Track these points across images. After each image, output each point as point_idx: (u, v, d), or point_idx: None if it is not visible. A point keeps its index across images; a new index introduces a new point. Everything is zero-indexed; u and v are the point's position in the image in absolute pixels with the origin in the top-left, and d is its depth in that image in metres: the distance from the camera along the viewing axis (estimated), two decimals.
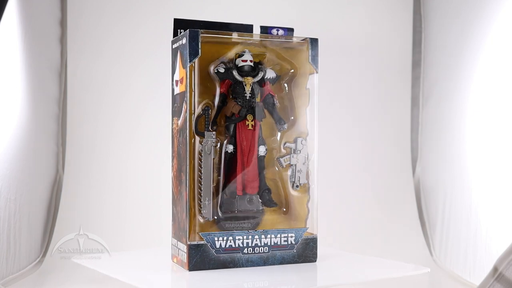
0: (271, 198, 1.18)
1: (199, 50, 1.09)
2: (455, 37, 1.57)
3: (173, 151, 1.16)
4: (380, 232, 1.71)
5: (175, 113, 1.15)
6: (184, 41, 1.10)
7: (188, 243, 1.09)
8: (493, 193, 1.35)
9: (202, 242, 1.09)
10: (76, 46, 1.73)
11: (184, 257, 1.10)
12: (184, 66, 1.10)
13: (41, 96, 1.59)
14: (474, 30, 1.46)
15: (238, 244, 1.12)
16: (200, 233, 1.10)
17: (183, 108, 1.11)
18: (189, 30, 1.09)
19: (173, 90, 1.17)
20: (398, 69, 1.81)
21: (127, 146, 1.73)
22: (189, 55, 1.09)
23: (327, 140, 1.77)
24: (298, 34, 1.77)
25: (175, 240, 1.14)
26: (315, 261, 1.19)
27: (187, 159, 1.10)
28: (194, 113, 1.09)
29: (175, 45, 1.16)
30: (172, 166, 1.16)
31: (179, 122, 1.13)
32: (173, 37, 1.17)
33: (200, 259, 1.09)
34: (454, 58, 1.57)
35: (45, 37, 1.63)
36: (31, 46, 1.48)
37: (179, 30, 1.17)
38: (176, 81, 1.15)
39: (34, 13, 1.52)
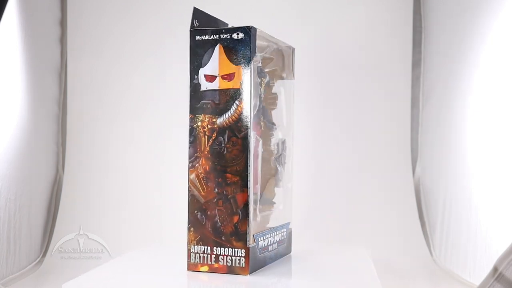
0: (266, 196, 1.18)
1: (256, 48, 1.07)
2: (455, 37, 1.57)
3: (195, 151, 1.07)
4: (380, 232, 1.71)
5: (205, 110, 1.07)
6: (238, 36, 1.06)
7: (249, 246, 1.04)
8: (493, 193, 1.35)
9: (254, 245, 1.06)
10: (76, 46, 1.73)
11: (236, 262, 1.04)
12: (236, 63, 1.05)
13: (41, 96, 1.59)
14: (474, 30, 1.46)
15: (267, 243, 1.12)
16: (254, 235, 1.05)
17: (233, 106, 1.05)
18: (252, 27, 1.06)
19: (196, 85, 1.08)
20: (398, 69, 1.81)
21: (127, 146, 1.73)
22: (252, 52, 1.05)
23: (328, 140, 1.77)
24: (298, 34, 1.78)
25: (203, 247, 1.06)
26: (291, 252, 1.23)
27: (249, 159, 1.04)
28: (251, 112, 1.05)
29: (204, 37, 1.08)
30: (194, 166, 1.07)
31: (220, 120, 1.06)
32: (191, 26, 1.09)
33: (252, 262, 1.06)
34: (454, 58, 1.57)
35: (45, 37, 1.64)
36: (31, 46, 1.48)
37: (195, 20, 1.11)
38: (209, 76, 1.07)
39: (34, 13, 1.52)
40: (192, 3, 1.75)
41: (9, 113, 1.37)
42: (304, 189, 1.73)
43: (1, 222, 1.29)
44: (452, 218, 1.56)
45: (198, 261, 1.07)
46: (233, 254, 1.05)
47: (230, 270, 1.05)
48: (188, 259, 1.07)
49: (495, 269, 0.91)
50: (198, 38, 1.07)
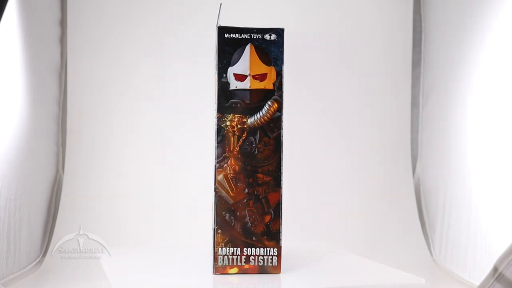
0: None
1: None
2: (455, 37, 1.57)
3: (224, 151, 1.06)
4: (380, 232, 1.71)
5: (234, 109, 1.06)
6: (271, 37, 1.05)
7: (281, 244, 1.06)
8: (493, 193, 1.35)
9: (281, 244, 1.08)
10: (76, 46, 1.73)
11: (268, 261, 1.05)
12: (269, 63, 1.06)
13: (41, 96, 1.59)
14: (474, 30, 1.46)
15: None
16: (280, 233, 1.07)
17: (265, 107, 1.05)
18: (283, 29, 1.06)
19: (224, 84, 1.06)
20: (398, 69, 1.81)
21: (127, 146, 1.73)
22: (284, 54, 1.06)
23: (327, 140, 1.77)
24: (298, 33, 1.77)
25: (232, 249, 1.06)
26: None
27: (281, 159, 1.06)
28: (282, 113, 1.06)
29: (233, 35, 1.07)
30: (222, 167, 1.06)
31: (251, 120, 1.05)
32: (217, 23, 1.08)
33: (282, 260, 1.08)
34: (454, 58, 1.57)
35: (45, 37, 1.63)
36: (31, 46, 1.48)
37: (217, 18, 1.10)
38: (239, 75, 1.06)
39: (34, 13, 1.52)
40: (192, 3, 1.75)
41: (9, 113, 1.37)
42: (302, 188, 1.73)
43: (1, 222, 1.29)
44: (452, 218, 1.56)
45: (227, 263, 1.06)
46: (265, 254, 1.06)
47: (262, 270, 1.06)
48: (215, 262, 1.06)
49: (495, 269, 0.91)
50: (226, 36, 1.06)
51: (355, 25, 1.79)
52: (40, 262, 1.53)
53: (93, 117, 1.73)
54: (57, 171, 1.71)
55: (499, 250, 0.97)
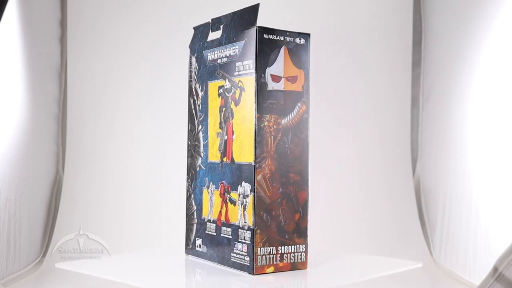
0: None
1: None
2: (455, 37, 1.57)
3: (262, 151, 1.06)
4: (380, 232, 1.71)
5: (271, 110, 1.07)
6: (300, 41, 1.08)
7: (307, 240, 1.09)
8: (493, 193, 1.35)
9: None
10: (76, 46, 1.73)
11: (298, 257, 1.08)
12: (298, 66, 1.09)
13: (41, 96, 1.59)
14: (474, 30, 1.46)
15: None
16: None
17: (296, 108, 1.08)
18: (310, 35, 1.09)
19: (263, 84, 1.06)
20: (398, 69, 1.81)
21: (127, 146, 1.73)
22: (310, 58, 1.09)
23: (327, 139, 1.77)
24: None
25: (269, 248, 1.07)
26: None
27: (308, 159, 1.09)
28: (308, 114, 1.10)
29: (271, 36, 1.08)
30: (261, 167, 1.06)
31: (285, 121, 1.08)
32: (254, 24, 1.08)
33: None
34: (454, 58, 1.57)
35: (45, 37, 1.64)
36: (31, 46, 1.48)
37: (256, 19, 1.12)
38: (275, 76, 1.07)
39: (34, 13, 1.52)
40: (191, 4, 1.75)
41: (9, 113, 1.37)
42: None
43: (1, 222, 1.29)
44: (452, 218, 1.56)
45: (265, 263, 1.07)
46: (296, 251, 1.08)
47: (293, 266, 1.08)
48: (254, 263, 1.06)
49: (495, 269, 0.91)
50: (265, 36, 1.08)
51: (355, 25, 1.79)
52: (40, 262, 1.53)
53: (93, 117, 1.73)
54: (57, 171, 1.71)
55: (499, 250, 0.97)
